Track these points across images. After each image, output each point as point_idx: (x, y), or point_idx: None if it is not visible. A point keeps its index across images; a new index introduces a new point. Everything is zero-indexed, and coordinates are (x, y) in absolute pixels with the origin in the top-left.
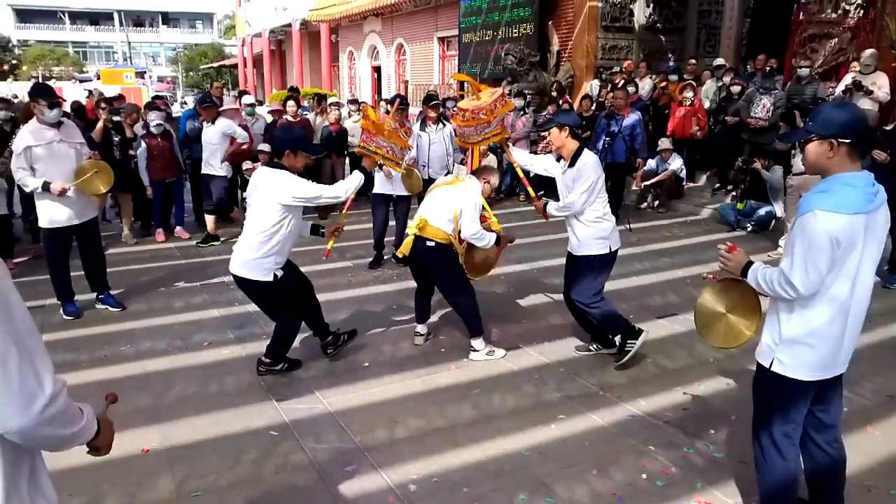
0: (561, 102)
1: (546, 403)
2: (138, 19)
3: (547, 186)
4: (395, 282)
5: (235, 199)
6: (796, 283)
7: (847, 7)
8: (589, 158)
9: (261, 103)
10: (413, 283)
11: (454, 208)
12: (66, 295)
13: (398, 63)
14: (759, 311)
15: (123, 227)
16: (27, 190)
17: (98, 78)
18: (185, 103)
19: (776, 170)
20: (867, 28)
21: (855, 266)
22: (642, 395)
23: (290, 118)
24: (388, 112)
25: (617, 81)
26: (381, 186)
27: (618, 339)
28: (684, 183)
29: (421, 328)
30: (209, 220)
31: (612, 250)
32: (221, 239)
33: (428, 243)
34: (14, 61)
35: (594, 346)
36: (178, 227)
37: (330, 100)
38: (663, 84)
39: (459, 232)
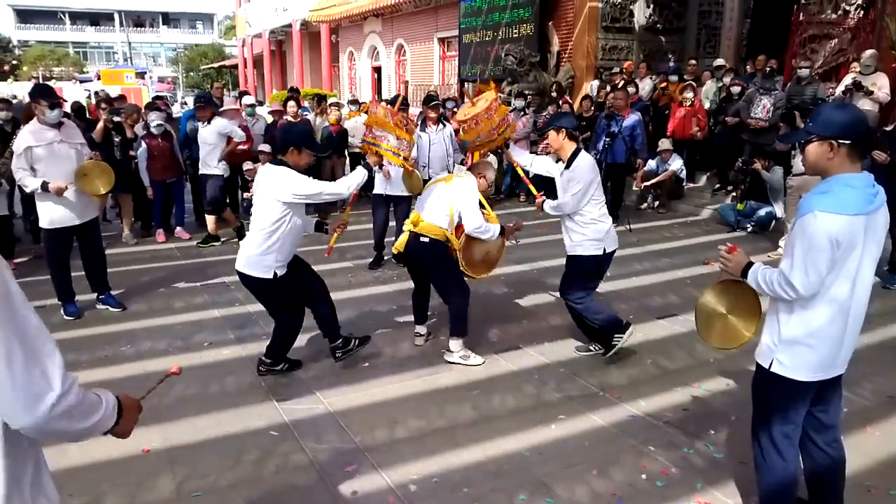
0: (561, 103)
1: (546, 404)
2: (139, 20)
3: (548, 187)
4: (395, 282)
5: (235, 200)
6: (796, 284)
7: (847, 8)
8: (584, 161)
9: (261, 104)
10: (412, 284)
11: (450, 205)
12: (66, 295)
13: (398, 63)
14: (759, 312)
15: (124, 228)
16: (27, 190)
17: (98, 78)
18: (186, 104)
19: (776, 170)
20: (867, 29)
21: (855, 267)
22: (642, 395)
23: (290, 119)
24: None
25: (617, 82)
26: (381, 187)
27: (619, 338)
28: (684, 183)
29: (421, 329)
30: (209, 220)
31: (606, 252)
32: (222, 239)
33: (422, 239)
34: (14, 62)
35: (594, 346)
36: (178, 228)
37: (330, 100)
38: (663, 85)
39: (457, 228)
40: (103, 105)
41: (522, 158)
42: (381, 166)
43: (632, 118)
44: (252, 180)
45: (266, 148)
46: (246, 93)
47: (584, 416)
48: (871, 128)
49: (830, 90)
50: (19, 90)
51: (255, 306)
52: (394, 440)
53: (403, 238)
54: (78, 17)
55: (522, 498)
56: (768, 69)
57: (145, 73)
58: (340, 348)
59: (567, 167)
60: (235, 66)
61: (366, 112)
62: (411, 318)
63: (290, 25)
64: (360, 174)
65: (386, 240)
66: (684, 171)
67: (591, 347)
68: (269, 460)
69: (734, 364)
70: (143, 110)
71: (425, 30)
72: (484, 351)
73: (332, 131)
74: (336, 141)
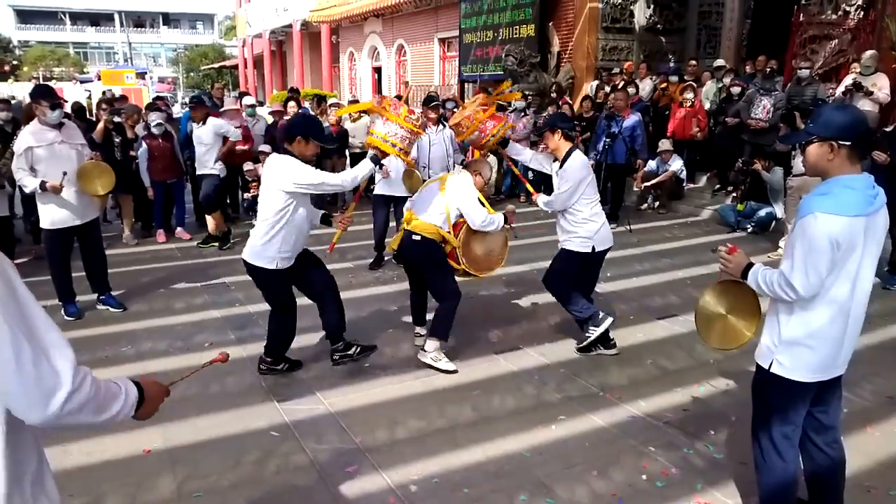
0: (561, 104)
1: (546, 404)
2: (139, 20)
3: (549, 186)
4: (395, 283)
5: (235, 200)
6: (796, 286)
7: (847, 8)
8: (575, 160)
9: (261, 104)
10: None
11: (446, 203)
12: (67, 296)
13: (399, 64)
14: (758, 313)
15: (124, 228)
16: (27, 191)
17: (99, 79)
18: (186, 104)
19: (776, 171)
20: (867, 29)
21: (855, 268)
22: (642, 395)
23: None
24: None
25: (616, 83)
26: (381, 188)
27: (594, 330)
28: (684, 184)
29: (420, 329)
30: (210, 220)
31: (596, 251)
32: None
33: (414, 237)
34: (15, 62)
35: (595, 346)
36: (178, 228)
37: (330, 101)
38: (664, 85)
39: (454, 226)
40: (104, 106)
41: (522, 155)
42: (381, 166)
43: (632, 119)
44: (252, 181)
45: (266, 148)
46: (246, 93)
47: (584, 416)
48: (871, 128)
49: (830, 91)
50: (19, 91)
51: (256, 306)
52: (394, 441)
53: (398, 237)
54: (78, 18)
55: (523, 498)
56: (768, 70)
57: (146, 73)
58: (340, 351)
59: (561, 166)
60: (236, 67)
61: (388, 105)
62: (411, 318)
63: (290, 26)
64: (366, 166)
65: (386, 240)
66: (684, 172)
67: (591, 348)
68: (269, 461)
69: (734, 364)
70: (143, 111)
71: (426, 30)
72: (484, 351)
73: (332, 132)
74: (336, 141)
